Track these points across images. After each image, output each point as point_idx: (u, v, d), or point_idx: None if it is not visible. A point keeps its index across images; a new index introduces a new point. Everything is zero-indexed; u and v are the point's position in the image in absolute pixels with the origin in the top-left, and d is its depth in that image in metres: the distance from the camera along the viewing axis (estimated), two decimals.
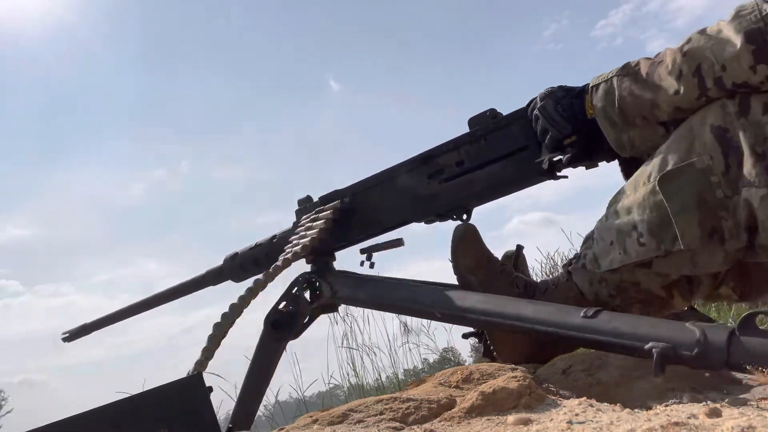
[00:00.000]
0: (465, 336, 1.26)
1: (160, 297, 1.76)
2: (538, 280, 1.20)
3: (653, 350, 0.76)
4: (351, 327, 3.03)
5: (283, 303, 1.33)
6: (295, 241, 1.31)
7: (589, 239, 1.06)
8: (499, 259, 1.22)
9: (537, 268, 3.24)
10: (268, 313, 1.37)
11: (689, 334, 0.76)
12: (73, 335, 1.85)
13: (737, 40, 0.81)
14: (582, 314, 0.89)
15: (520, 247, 1.27)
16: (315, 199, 1.45)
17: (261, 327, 1.36)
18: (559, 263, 3.30)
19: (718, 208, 0.84)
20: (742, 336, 0.73)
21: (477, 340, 1.22)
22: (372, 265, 1.36)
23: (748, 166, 0.81)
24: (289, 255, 1.25)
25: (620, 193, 0.98)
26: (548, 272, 3.32)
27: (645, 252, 0.92)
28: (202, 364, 1.00)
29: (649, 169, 0.91)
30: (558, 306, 0.96)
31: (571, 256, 1.10)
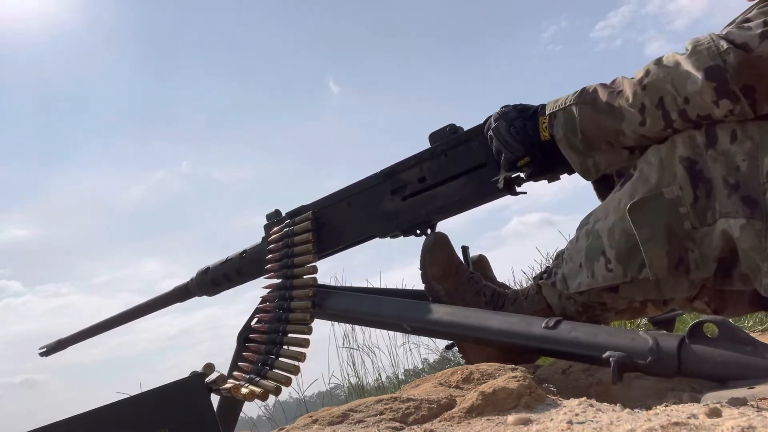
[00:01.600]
0: (447, 347, 1.27)
1: (129, 314, 1.79)
2: (513, 288, 1.22)
3: (610, 359, 0.79)
4: (351, 327, 3.03)
5: (255, 319, 1.32)
6: (302, 262, 1.32)
7: (559, 257, 1.07)
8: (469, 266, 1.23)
9: (536, 268, 3.23)
10: (241, 329, 1.37)
11: (643, 342, 0.79)
12: (50, 350, 1.88)
13: (698, 76, 0.81)
14: (543, 325, 0.92)
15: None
16: (282, 213, 1.46)
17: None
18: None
19: (686, 239, 0.85)
20: (692, 344, 0.76)
21: (458, 350, 1.23)
22: None
23: (723, 198, 0.82)
24: (308, 291, 1.27)
25: (591, 216, 0.99)
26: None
27: (612, 278, 0.93)
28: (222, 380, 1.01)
29: (619, 196, 0.92)
30: (521, 317, 0.99)
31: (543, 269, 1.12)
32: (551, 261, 1.16)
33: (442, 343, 3.32)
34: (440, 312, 1.10)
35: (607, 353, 0.80)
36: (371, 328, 3.02)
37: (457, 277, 1.17)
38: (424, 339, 3.14)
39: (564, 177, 1.12)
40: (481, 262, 1.28)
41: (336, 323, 3.00)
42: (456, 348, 1.22)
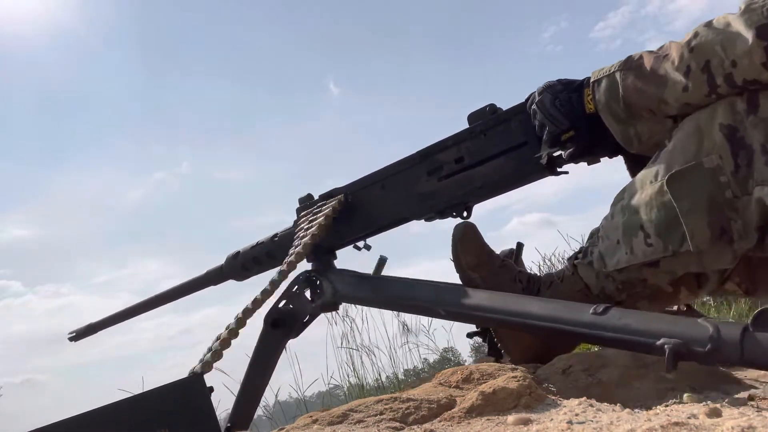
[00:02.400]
0: (470, 335, 1.25)
1: (162, 297, 1.77)
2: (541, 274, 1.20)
3: (665, 346, 0.74)
4: (350, 327, 3.03)
5: (283, 302, 1.32)
6: (296, 242, 1.31)
7: (594, 235, 1.05)
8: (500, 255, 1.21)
9: (534, 269, 3.24)
10: (268, 311, 1.36)
11: (702, 330, 0.75)
12: (79, 334, 1.86)
13: (749, 36, 0.78)
14: (591, 311, 0.87)
15: (520, 245, 1.26)
16: (316, 197, 1.44)
17: (261, 325, 1.36)
18: (557, 265, 3.30)
19: (728, 209, 0.83)
20: (756, 332, 0.71)
21: (481, 339, 1.22)
22: (368, 248, 1.37)
23: (760, 165, 0.79)
24: (292, 257, 1.24)
25: (626, 191, 0.96)
26: (548, 271, 3.31)
27: (652, 252, 0.90)
28: (208, 364, 1.00)
29: (656, 168, 0.90)
30: (566, 303, 0.95)
31: (562, 260, 1.10)
32: (547, 263, 1.15)
33: (442, 343, 3.32)
34: (479, 296, 1.06)
35: (662, 340, 0.76)
36: (371, 329, 3.02)
37: (490, 264, 1.16)
38: (424, 339, 3.13)
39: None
40: (513, 253, 1.27)
41: (335, 324, 3.01)
42: (477, 338, 1.21)
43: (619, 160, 1.08)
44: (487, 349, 1.21)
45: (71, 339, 1.87)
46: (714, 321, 0.77)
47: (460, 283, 1.18)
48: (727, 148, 0.83)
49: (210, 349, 1.07)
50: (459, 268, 1.17)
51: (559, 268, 1.23)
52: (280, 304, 1.33)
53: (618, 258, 0.96)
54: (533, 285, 1.13)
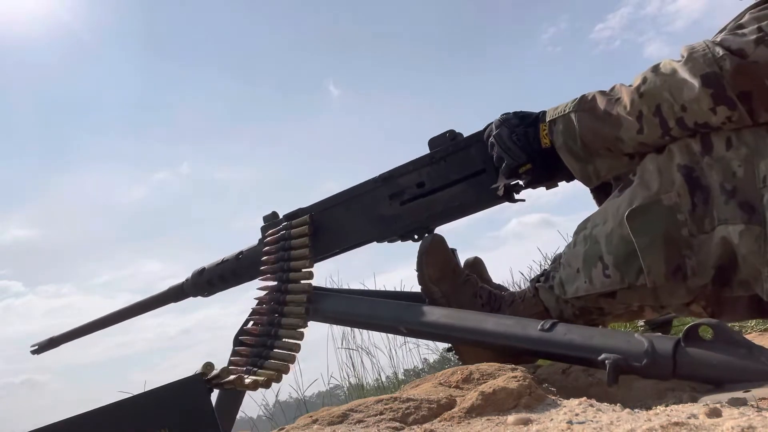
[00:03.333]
0: (447, 350, 1.28)
1: (123, 313, 1.79)
2: (509, 290, 1.22)
3: (606, 361, 0.79)
4: (350, 327, 3.03)
5: (251, 323, 1.31)
6: (298, 267, 1.32)
7: (556, 261, 1.07)
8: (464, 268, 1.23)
9: (535, 269, 3.23)
10: (237, 332, 1.37)
11: (638, 344, 0.79)
12: (42, 347, 1.88)
13: (695, 83, 0.81)
14: (539, 327, 0.91)
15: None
16: (280, 215, 1.46)
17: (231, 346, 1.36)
18: None
19: (683, 246, 0.85)
20: (688, 347, 0.76)
21: (455, 353, 1.23)
22: None
23: (720, 204, 0.82)
24: (303, 296, 1.27)
25: (589, 221, 0.99)
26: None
27: (609, 284, 0.93)
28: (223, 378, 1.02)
29: (618, 202, 0.92)
30: (517, 319, 0.98)
31: (540, 272, 1.13)
32: (549, 263, 1.16)
33: (442, 344, 3.33)
34: (437, 314, 1.10)
35: (603, 355, 0.80)
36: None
37: (453, 279, 1.17)
38: (423, 339, 3.14)
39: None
40: (477, 265, 1.29)
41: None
42: (454, 351, 1.22)
43: None
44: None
45: (33, 352, 1.89)
46: (649, 335, 0.80)
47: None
48: (685, 187, 0.85)
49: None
50: (421, 280, 1.19)
51: (529, 280, 1.26)
52: (249, 324, 1.32)
53: (577, 286, 0.99)
54: (494, 302, 1.15)
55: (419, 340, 3.14)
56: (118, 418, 0.77)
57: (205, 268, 1.59)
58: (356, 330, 3.04)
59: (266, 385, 1.07)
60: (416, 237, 1.26)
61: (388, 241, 1.31)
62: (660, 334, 0.90)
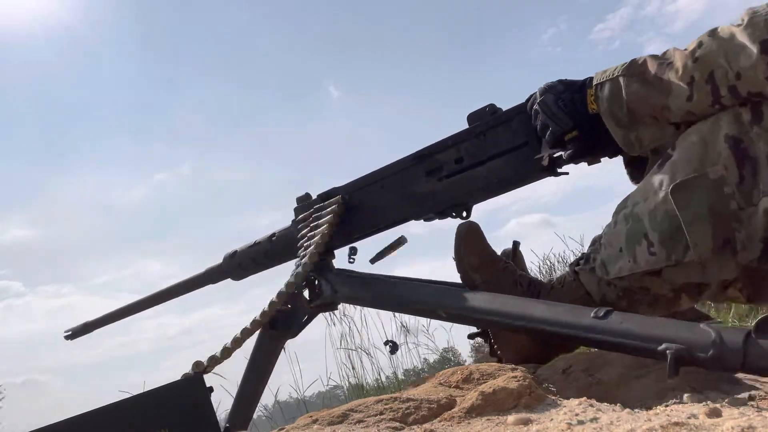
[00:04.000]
0: (471, 336, 1.25)
1: (161, 295, 1.76)
2: (543, 279, 1.20)
3: (667, 351, 0.74)
4: (349, 328, 3.03)
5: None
6: (306, 243, 1.31)
7: (596, 242, 1.05)
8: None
9: (534, 269, 3.24)
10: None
11: (704, 335, 0.75)
12: (76, 333, 1.86)
13: (754, 49, 0.78)
14: (593, 315, 0.87)
15: (516, 243, 1.26)
16: (314, 196, 1.43)
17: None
18: (556, 264, 3.30)
19: (732, 220, 0.83)
20: (759, 339, 0.71)
21: (483, 341, 1.21)
22: (353, 261, 1.36)
23: (766, 176, 0.80)
24: (306, 259, 1.24)
25: (629, 200, 0.96)
26: (545, 273, 3.32)
27: (655, 261, 0.90)
28: (216, 360, 1.00)
29: (660, 177, 0.90)
30: (567, 306, 0.95)
31: (568, 257, 1.11)
32: (547, 262, 1.15)
33: (442, 343, 3.32)
34: (479, 299, 1.06)
35: (664, 345, 0.76)
36: (370, 329, 3.02)
37: (493, 266, 1.15)
38: (423, 339, 3.13)
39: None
40: (516, 254, 1.27)
41: (333, 324, 3.00)
42: (478, 339, 1.21)
43: (619, 160, 1.08)
44: (488, 350, 1.21)
45: (67, 338, 1.87)
46: (716, 327, 0.76)
47: (460, 283, 1.18)
48: (732, 159, 0.83)
49: (223, 350, 1.09)
50: (461, 268, 1.16)
51: (558, 267, 1.24)
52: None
53: (620, 266, 0.96)
54: (534, 289, 1.13)
55: (419, 339, 3.14)
56: (118, 418, 0.77)
57: (236, 251, 1.57)
58: (355, 330, 3.04)
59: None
60: (454, 214, 1.23)
61: (425, 220, 1.27)
62: (727, 325, 0.87)
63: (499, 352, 1.16)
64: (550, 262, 3.27)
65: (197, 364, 0.93)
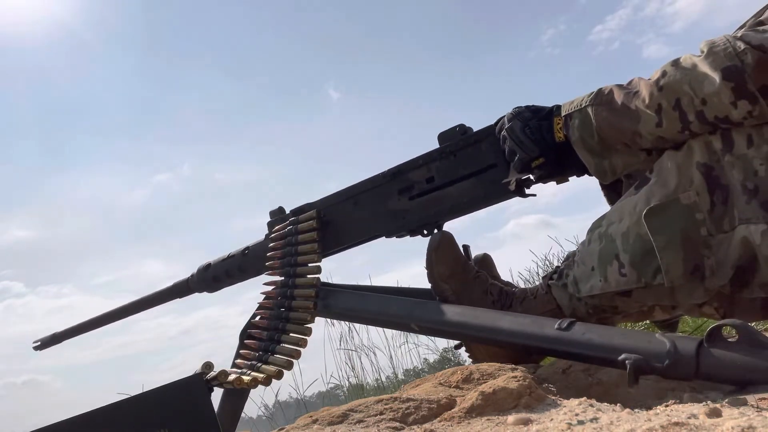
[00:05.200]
0: (457, 347, 1.27)
1: (127, 309, 1.77)
2: (519, 287, 1.21)
3: (626, 362, 0.77)
4: (349, 328, 3.04)
5: (258, 316, 1.31)
6: (305, 261, 1.31)
7: (570, 258, 1.06)
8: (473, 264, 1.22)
9: (533, 269, 3.23)
10: (243, 328, 1.36)
11: (660, 345, 0.78)
12: (44, 344, 1.87)
13: (716, 77, 0.80)
14: (556, 326, 0.90)
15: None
16: (287, 211, 1.45)
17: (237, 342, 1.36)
18: (555, 264, 3.29)
19: (702, 246, 0.84)
20: (711, 347, 0.74)
21: (465, 350, 1.22)
22: None
23: (742, 204, 0.81)
24: (311, 290, 1.26)
25: (604, 219, 0.98)
26: (545, 272, 3.32)
27: (625, 283, 0.92)
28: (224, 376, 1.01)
29: (636, 200, 0.91)
30: (533, 318, 0.97)
31: (559, 261, 1.12)
32: (547, 262, 1.16)
33: (442, 343, 3.32)
34: (450, 312, 1.08)
35: (623, 356, 0.78)
36: (369, 329, 3.02)
37: (463, 275, 1.16)
38: (423, 339, 3.14)
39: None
40: (486, 261, 1.28)
41: (332, 325, 3.01)
42: (464, 348, 1.22)
43: None
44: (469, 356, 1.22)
45: (36, 348, 1.88)
46: (671, 336, 0.79)
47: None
48: (704, 186, 0.84)
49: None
50: (431, 277, 1.18)
51: (541, 276, 1.25)
52: (256, 318, 1.31)
53: (592, 284, 0.98)
54: (505, 299, 1.14)
55: (419, 339, 3.14)
56: (118, 418, 0.77)
57: (210, 263, 1.58)
58: (355, 331, 3.04)
59: (266, 382, 1.07)
60: (425, 232, 1.25)
61: (396, 237, 1.29)
62: (681, 334, 0.89)
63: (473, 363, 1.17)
64: (549, 263, 3.27)
65: (206, 365, 0.93)
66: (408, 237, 1.28)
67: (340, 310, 1.28)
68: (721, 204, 0.83)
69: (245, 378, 1.03)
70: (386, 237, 1.31)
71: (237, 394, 1.40)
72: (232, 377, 0.96)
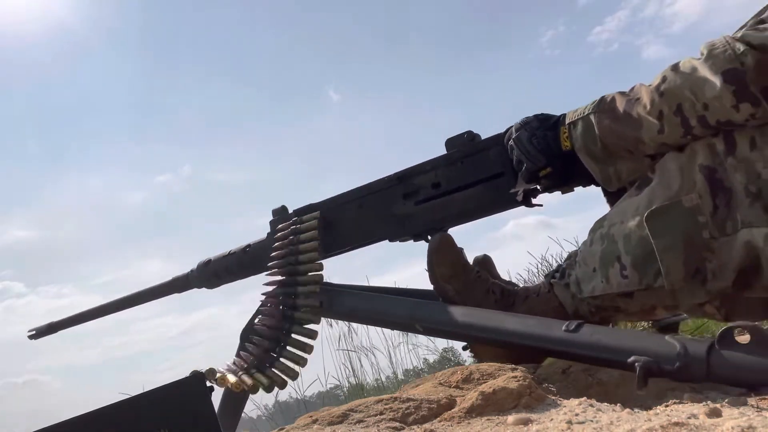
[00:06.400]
0: (465, 348, 1.26)
1: (125, 301, 1.76)
2: (520, 285, 1.21)
3: (636, 364, 0.76)
4: (348, 328, 3.03)
5: (259, 317, 1.29)
6: (307, 258, 1.30)
7: (572, 258, 1.06)
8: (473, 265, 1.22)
9: (533, 271, 3.23)
10: (244, 328, 1.35)
11: (670, 347, 0.77)
12: (39, 333, 1.85)
13: (716, 80, 0.79)
14: (564, 328, 0.90)
15: (487, 257, 1.26)
16: (289, 210, 1.44)
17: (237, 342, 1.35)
18: (554, 264, 3.29)
19: (703, 249, 0.84)
20: (722, 349, 0.74)
21: (470, 350, 1.22)
22: None
23: (745, 207, 0.80)
24: (315, 287, 1.25)
25: (606, 219, 0.97)
26: (544, 272, 3.32)
27: (627, 284, 0.92)
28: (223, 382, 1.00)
29: (637, 202, 0.91)
30: (539, 319, 0.97)
31: (560, 260, 1.12)
32: (547, 262, 1.16)
33: (442, 343, 3.32)
34: (455, 313, 1.08)
35: (633, 358, 0.78)
36: (369, 329, 3.02)
37: (465, 276, 1.16)
38: (423, 339, 3.13)
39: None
40: (486, 262, 1.28)
41: (332, 325, 3.01)
42: (470, 349, 1.22)
43: None
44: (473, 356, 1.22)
45: (31, 337, 1.87)
46: (681, 338, 0.78)
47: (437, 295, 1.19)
48: (706, 188, 0.83)
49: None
50: (433, 278, 1.18)
51: (544, 274, 1.24)
52: (256, 320, 1.30)
53: (593, 285, 0.98)
54: (507, 298, 1.14)
55: (419, 339, 3.13)
56: (118, 418, 0.77)
57: (211, 259, 1.57)
58: (354, 331, 3.04)
59: (269, 389, 1.06)
60: (429, 237, 1.24)
61: (400, 241, 1.29)
62: (691, 336, 0.89)
63: (474, 357, 1.17)
64: (548, 263, 3.27)
65: (209, 372, 0.94)
66: (411, 241, 1.28)
67: (344, 310, 1.27)
68: (723, 207, 0.82)
69: (231, 378, 1.02)
70: (390, 240, 1.30)
71: (237, 395, 1.39)
72: (233, 380, 0.96)
